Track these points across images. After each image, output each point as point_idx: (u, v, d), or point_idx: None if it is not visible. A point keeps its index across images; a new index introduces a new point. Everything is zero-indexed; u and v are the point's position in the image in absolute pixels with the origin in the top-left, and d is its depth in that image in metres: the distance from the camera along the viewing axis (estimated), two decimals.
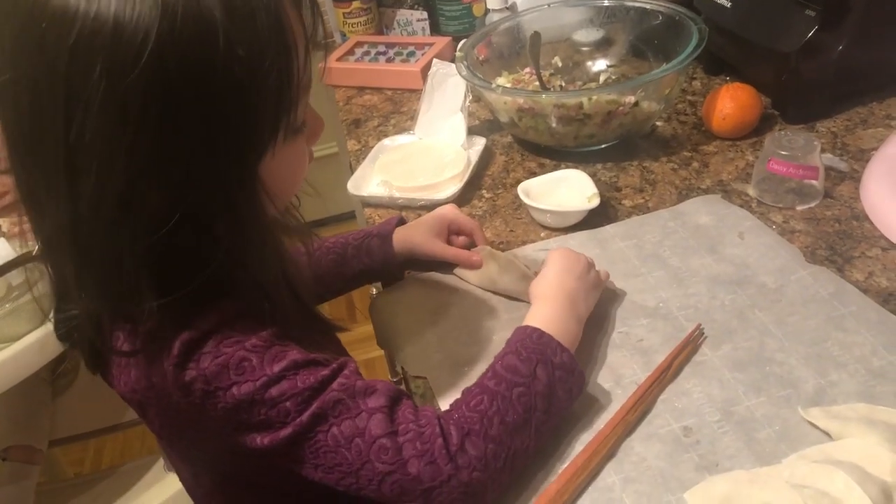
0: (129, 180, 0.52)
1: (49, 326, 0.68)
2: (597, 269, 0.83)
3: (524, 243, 0.97)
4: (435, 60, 1.20)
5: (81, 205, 0.53)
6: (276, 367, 0.60)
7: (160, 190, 0.54)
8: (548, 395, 0.67)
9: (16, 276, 1.09)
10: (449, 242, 0.93)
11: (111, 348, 0.63)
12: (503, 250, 0.93)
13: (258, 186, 0.58)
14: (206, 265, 0.57)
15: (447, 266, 0.93)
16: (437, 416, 0.64)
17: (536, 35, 1.19)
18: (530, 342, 0.70)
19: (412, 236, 0.92)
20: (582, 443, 0.69)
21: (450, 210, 0.94)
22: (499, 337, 0.82)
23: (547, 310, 0.75)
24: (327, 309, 0.85)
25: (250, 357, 0.59)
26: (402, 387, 0.76)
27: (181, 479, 0.84)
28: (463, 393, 0.68)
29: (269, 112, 0.55)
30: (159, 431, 0.69)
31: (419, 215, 1.04)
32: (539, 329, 0.71)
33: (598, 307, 0.83)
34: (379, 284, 1.00)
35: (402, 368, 0.81)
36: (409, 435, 0.61)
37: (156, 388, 0.60)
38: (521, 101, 1.06)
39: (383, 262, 0.92)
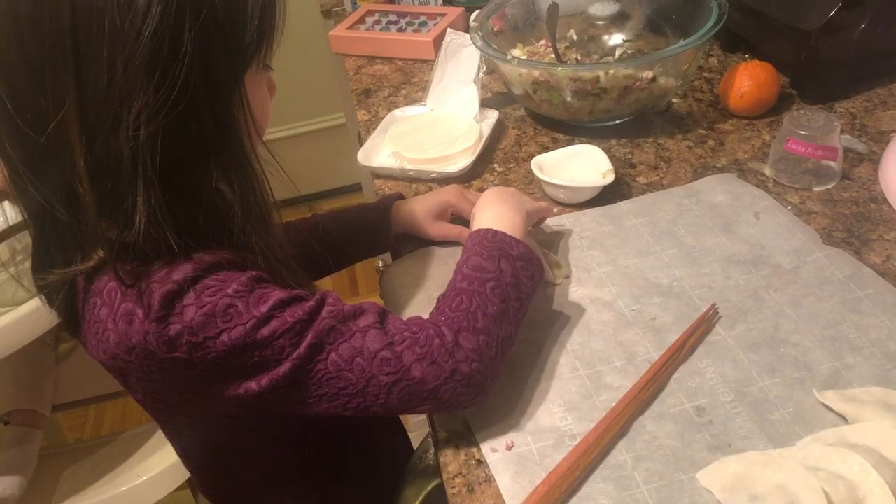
0: (133, 72, 0.54)
1: None
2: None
3: None
4: (449, 30, 1.18)
5: (88, 94, 0.55)
6: (263, 308, 0.60)
7: (159, 85, 0.55)
8: (515, 284, 0.71)
9: (20, 241, 1.08)
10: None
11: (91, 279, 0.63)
12: None
13: (243, 97, 0.61)
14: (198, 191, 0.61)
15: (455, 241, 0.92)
16: (427, 321, 0.66)
17: (555, 6, 1.17)
18: (487, 241, 0.73)
19: (413, 213, 0.92)
20: (594, 420, 0.68)
21: (453, 194, 0.92)
22: None
23: (490, 212, 0.78)
24: (329, 280, 0.85)
25: (235, 303, 0.60)
26: None
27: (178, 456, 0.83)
28: (438, 300, 0.70)
29: (254, 29, 0.59)
30: (143, 399, 0.68)
31: (430, 188, 1.03)
32: (491, 228, 0.75)
33: (611, 285, 0.82)
34: (386, 257, 0.99)
35: None
36: (406, 342, 0.64)
37: (137, 349, 0.60)
38: (536, 73, 1.05)
39: (380, 237, 0.93)
